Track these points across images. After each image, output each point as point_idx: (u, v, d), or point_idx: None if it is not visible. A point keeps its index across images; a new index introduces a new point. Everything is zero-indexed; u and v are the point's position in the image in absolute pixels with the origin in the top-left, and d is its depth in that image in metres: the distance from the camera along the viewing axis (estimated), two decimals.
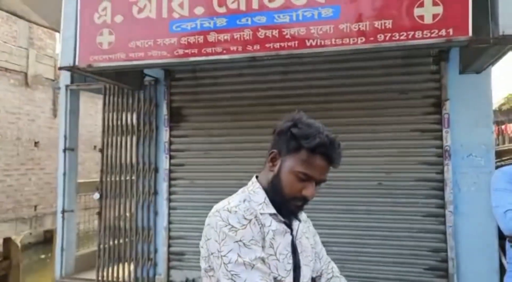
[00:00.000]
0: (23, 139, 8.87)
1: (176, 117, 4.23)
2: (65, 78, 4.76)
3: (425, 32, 2.55)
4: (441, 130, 3.48)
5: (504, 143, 10.45)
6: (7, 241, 9.22)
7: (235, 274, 1.10)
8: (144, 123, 4.37)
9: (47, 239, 8.94)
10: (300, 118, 1.24)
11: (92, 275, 4.52)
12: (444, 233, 3.45)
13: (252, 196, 1.26)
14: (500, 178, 2.04)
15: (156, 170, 4.31)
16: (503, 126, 10.94)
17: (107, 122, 4.51)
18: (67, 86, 4.73)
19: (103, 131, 4.54)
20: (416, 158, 3.58)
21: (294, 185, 1.20)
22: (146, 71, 4.21)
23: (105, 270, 4.44)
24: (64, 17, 3.36)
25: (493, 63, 3.20)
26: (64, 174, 4.73)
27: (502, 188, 1.99)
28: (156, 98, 4.31)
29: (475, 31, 2.48)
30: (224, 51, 2.94)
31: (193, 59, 3.00)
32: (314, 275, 1.39)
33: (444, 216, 3.45)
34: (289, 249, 1.25)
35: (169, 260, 4.18)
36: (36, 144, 9.16)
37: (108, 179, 4.49)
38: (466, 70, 3.36)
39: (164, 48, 3.07)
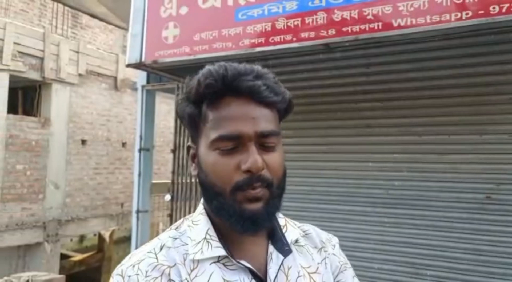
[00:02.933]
0: (112, 140, 9.45)
1: None
2: (141, 78, 4.80)
3: None
4: None
5: None
6: (101, 235, 9.96)
7: None
8: None
9: None
10: (196, 74, 0.75)
11: None
12: None
13: (190, 231, 0.76)
14: None
15: None
16: None
17: (179, 123, 4.42)
18: (143, 86, 4.75)
19: (175, 131, 4.47)
20: None
21: (222, 165, 0.70)
22: None
23: None
24: (133, 13, 3.28)
25: None
26: (139, 175, 4.74)
27: None
28: None
29: None
30: (294, 39, 2.57)
31: (260, 50, 2.69)
32: None
33: None
34: None
35: None
36: (123, 144, 9.71)
37: (180, 181, 4.40)
38: None
39: (229, 39, 2.80)
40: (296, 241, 0.82)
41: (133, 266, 0.71)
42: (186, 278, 0.71)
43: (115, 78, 9.42)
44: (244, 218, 0.70)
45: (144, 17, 3.19)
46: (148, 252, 0.74)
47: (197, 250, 0.73)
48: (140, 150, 4.75)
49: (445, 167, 3.11)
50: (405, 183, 3.21)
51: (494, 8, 2.05)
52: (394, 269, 3.06)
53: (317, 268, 0.81)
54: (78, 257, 9.81)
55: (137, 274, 0.70)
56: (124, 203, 9.53)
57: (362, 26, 2.35)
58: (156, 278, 0.70)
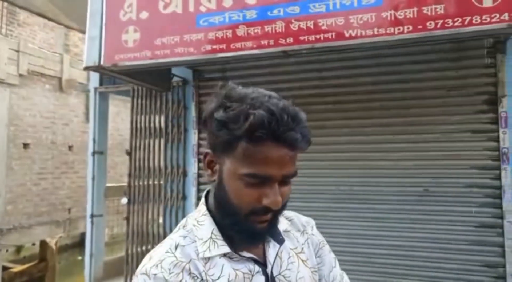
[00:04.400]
0: (58, 143, 9.03)
1: None
2: (94, 80, 4.71)
3: (484, 17, 2.23)
4: (497, 131, 3.11)
5: None
6: (43, 243, 9.45)
7: None
8: (172, 126, 4.23)
9: (84, 241, 9.04)
10: (229, 93, 0.82)
11: (121, 281, 4.42)
12: (502, 246, 3.06)
13: (196, 230, 0.87)
14: None
15: (185, 174, 4.15)
16: None
17: (135, 125, 4.41)
18: (96, 88, 4.67)
19: (131, 134, 4.44)
20: (468, 161, 3.22)
21: (245, 194, 0.81)
22: (173, 71, 4.06)
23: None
24: (90, 16, 3.26)
25: None
26: (93, 178, 4.65)
27: None
28: (185, 100, 4.15)
29: None
30: (254, 46, 2.72)
31: (221, 55, 2.81)
32: None
33: (502, 227, 3.06)
34: None
35: None
36: (70, 147, 9.31)
37: (136, 183, 4.38)
38: None
39: (191, 44, 2.89)
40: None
41: (156, 266, 0.80)
42: (203, 271, 0.82)
43: (60, 79, 9.02)
44: (254, 235, 0.85)
45: (102, 20, 3.18)
46: (166, 252, 0.83)
47: (205, 248, 0.84)
48: (93, 153, 4.66)
49: (390, 164, 3.43)
50: (355, 179, 3.49)
51: (430, 23, 2.35)
52: (345, 259, 3.31)
53: (302, 249, 0.97)
54: (18, 267, 9.24)
55: (162, 272, 0.79)
56: (72, 208, 9.15)
57: (318, 36, 2.56)
58: (178, 274, 0.80)
